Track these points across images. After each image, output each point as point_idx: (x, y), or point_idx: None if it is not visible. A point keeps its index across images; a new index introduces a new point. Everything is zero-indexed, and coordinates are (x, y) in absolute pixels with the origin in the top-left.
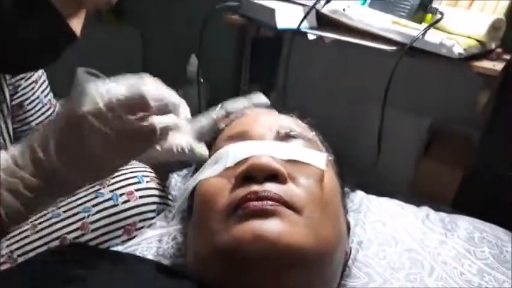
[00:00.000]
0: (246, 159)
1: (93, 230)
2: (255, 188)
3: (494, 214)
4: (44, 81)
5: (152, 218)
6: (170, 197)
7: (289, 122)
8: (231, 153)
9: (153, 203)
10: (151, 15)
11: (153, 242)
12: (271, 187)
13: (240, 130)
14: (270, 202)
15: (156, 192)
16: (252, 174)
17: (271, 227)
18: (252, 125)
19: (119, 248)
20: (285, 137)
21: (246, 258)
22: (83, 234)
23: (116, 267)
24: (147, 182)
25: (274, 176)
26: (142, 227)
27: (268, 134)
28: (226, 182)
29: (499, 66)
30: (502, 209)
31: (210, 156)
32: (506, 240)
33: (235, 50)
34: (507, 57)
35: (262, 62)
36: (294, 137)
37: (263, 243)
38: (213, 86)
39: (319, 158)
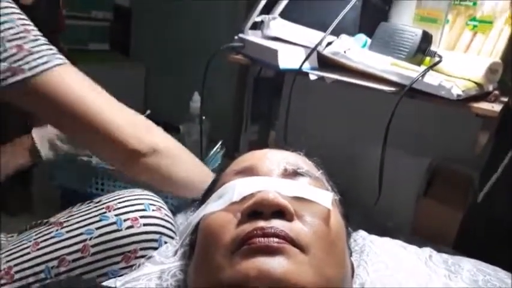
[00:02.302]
0: (252, 195)
1: (93, 254)
2: (262, 224)
3: (495, 255)
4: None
5: (154, 248)
6: (174, 228)
7: (297, 160)
8: (238, 188)
9: (157, 232)
10: (156, 51)
11: (152, 278)
12: (277, 224)
13: (247, 165)
14: (276, 239)
15: (160, 222)
16: (258, 209)
17: (276, 264)
18: (259, 161)
19: (118, 284)
20: (292, 174)
21: None
22: (82, 257)
23: None
24: (153, 210)
25: (281, 213)
26: (142, 256)
27: (276, 170)
28: (232, 216)
29: (497, 107)
30: (503, 250)
31: (215, 190)
32: (510, 283)
33: (237, 88)
34: (504, 99)
35: (263, 101)
36: (301, 174)
37: (268, 281)
38: (215, 123)
39: (326, 197)
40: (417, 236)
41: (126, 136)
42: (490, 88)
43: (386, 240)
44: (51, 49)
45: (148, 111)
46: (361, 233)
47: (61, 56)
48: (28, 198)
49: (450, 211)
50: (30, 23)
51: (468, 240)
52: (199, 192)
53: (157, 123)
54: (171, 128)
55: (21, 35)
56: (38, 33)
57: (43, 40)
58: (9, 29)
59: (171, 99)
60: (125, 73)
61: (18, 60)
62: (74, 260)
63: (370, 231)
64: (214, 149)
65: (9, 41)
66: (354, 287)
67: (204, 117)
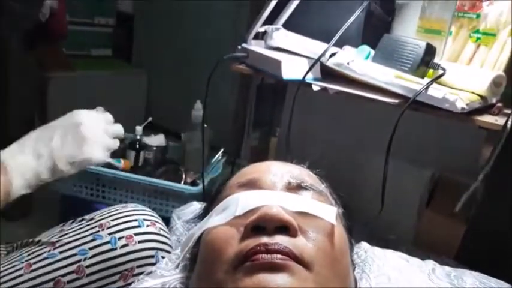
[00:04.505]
0: (256, 209)
1: (88, 275)
2: (265, 239)
3: (498, 267)
4: None
5: (151, 264)
6: (170, 242)
7: (301, 173)
8: (241, 202)
9: (153, 248)
10: (158, 58)
11: None
12: (281, 240)
13: (251, 178)
14: (279, 256)
15: (156, 237)
16: (262, 224)
17: (280, 281)
18: (263, 174)
19: None
20: (296, 188)
21: None
22: (77, 278)
23: None
24: (147, 226)
25: (285, 228)
26: (140, 273)
27: (279, 184)
28: (235, 231)
29: (501, 121)
30: (506, 263)
31: (218, 203)
32: None
33: (239, 95)
34: (508, 111)
35: (266, 108)
36: (305, 188)
37: None
38: (216, 131)
39: (330, 212)
40: (420, 247)
41: None
42: (494, 101)
43: (389, 252)
44: None
45: (150, 119)
46: (364, 245)
47: None
48: (27, 204)
49: (453, 223)
50: None
51: (471, 252)
52: None
53: (160, 130)
54: (172, 136)
55: None
56: None
57: None
58: None
59: (173, 107)
60: (127, 79)
61: None
62: (69, 282)
63: (372, 243)
64: (216, 157)
65: None
66: None
67: (205, 125)
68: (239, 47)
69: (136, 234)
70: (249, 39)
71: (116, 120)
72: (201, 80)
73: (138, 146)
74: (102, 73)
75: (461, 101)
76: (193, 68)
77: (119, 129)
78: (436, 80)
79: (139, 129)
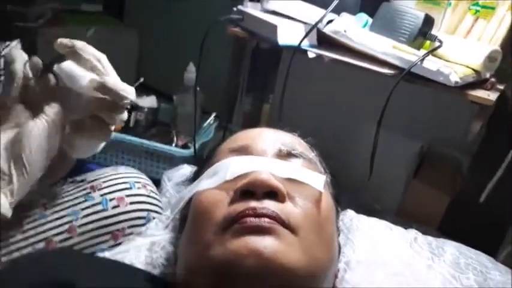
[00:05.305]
0: (246, 174)
1: (80, 234)
2: (254, 204)
3: (479, 239)
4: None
5: (141, 225)
6: (161, 204)
7: (292, 141)
8: (232, 167)
9: (144, 209)
10: (151, 18)
11: (142, 250)
12: (269, 204)
13: (242, 144)
14: (267, 220)
15: (146, 199)
16: (251, 189)
17: (266, 244)
18: (254, 140)
19: (106, 254)
20: (286, 155)
21: (239, 272)
22: (70, 237)
23: (105, 274)
24: (138, 188)
25: (273, 194)
26: (130, 233)
27: (270, 151)
28: (225, 195)
29: (493, 96)
30: (487, 235)
31: (209, 167)
32: (491, 267)
33: (233, 59)
34: (501, 87)
35: (260, 73)
36: (295, 155)
37: (257, 260)
38: (208, 95)
39: (318, 179)
40: (404, 217)
41: None
42: (488, 75)
43: (374, 220)
44: None
45: (141, 79)
46: (349, 213)
47: None
48: None
49: (438, 194)
50: None
51: (453, 224)
52: None
53: (151, 91)
54: (164, 97)
55: None
56: None
57: None
58: None
59: (166, 68)
60: (117, 37)
61: None
62: (61, 241)
63: (358, 211)
64: (208, 121)
65: None
66: (340, 266)
67: (198, 89)
68: (235, 8)
69: (127, 195)
70: (245, 1)
71: None
72: (194, 41)
73: (129, 106)
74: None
75: (455, 75)
76: (186, 28)
77: None
78: (431, 52)
79: None
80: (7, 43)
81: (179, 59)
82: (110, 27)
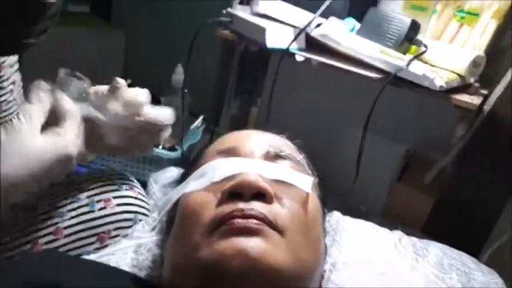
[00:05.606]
0: (233, 176)
1: (66, 236)
2: (241, 205)
3: (462, 240)
4: (21, 82)
5: (128, 227)
6: (148, 206)
7: (280, 143)
8: (219, 168)
9: (130, 211)
10: (139, 19)
11: (128, 252)
12: (257, 206)
13: (230, 146)
14: (255, 221)
15: (134, 201)
16: (239, 191)
17: (254, 245)
18: (242, 142)
19: (92, 256)
20: (274, 157)
21: (226, 273)
22: (55, 239)
23: (91, 276)
24: (125, 189)
25: (261, 195)
26: (116, 236)
27: (258, 152)
28: (212, 196)
29: (476, 100)
30: (470, 236)
31: (196, 169)
32: (474, 268)
33: (222, 62)
34: (484, 92)
35: (248, 77)
36: (282, 157)
37: (245, 260)
38: (196, 97)
39: (306, 181)
40: (389, 219)
41: None
42: (472, 80)
43: (360, 222)
44: None
45: (129, 81)
46: (336, 214)
47: None
48: None
49: (422, 196)
50: None
51: (437, 225)
52: None
53: None
54: (151, 100)
55: None
56: None
57: None
58: None
59: (153, 70)
60: (103, 38)
61: None
62: (47, 243)
63: (345, 212)
64: (195, 123)
65: None
66: (326, 267)
67: (185, 91)
68: (224, 11)
69: (114, 197)
70: (234, 4)
71: (93, 80)
72: (182, 43)
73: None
74: (78, 31)
75: (440, 80)
76: (174, 30)
77: None
78: (417, 56)
79: None
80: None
81: (167, 61)
82: (97, 29)
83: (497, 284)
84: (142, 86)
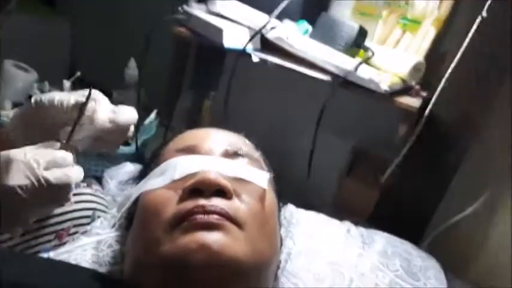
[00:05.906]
0: (194, 174)
1: (23, 234)
2: (202, 202)
3: (404, 229)
4: None
5: (86, 224)
6: (106, 203)
7: (238, 141)
8: (180, 166)
9: (89, 208)
10: (87, 7)
11: (88, 249)
12: (217, 202)
13: (190, 144)
14: (216, 216)
15: (92, 198)
16: (200, 188)
17: (215, 239)
18: (201, 140)
19: (51, 254)
20: (233, 154)
21: (189, 267)
22: (11, 238)
23: (48, 274)
24: (83, 186)
25: (221, 192)
26: (75, 232)
27: (217, 150)
28: (173, 193)
29: (417, 103)
30: (412, 226)
31: (155, 166)
32: (415, 254)
33: (175, 55)
34: (424, 94)
35: (201, 71)
36: (240, 155)
37: (207, 254)
38: (149, 91)
39: (262, 178)
40: (339, 210)
41: None
42: (413, 83)
43: (312, 213)
44: None
45: (78, 73)
46: (290, 207)
47: None
48: None
49: (368, 190)
50: None
51: (382, 216)
52: None
53: (87, 86)
54: (102, 94)
55: None
56: None
57: None
58: None
59: (104, 63)
60: (47, 26)
61: None
62: (4, 241)
63: (298, 205)
64: (149, 118)
65: None
66: (281, 256)
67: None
68: (180, 8)
69: (72, 194)
70: (190, 1)
71: (38, 71)
72: (134, 36)
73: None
74: (19, 18)
75: (384, 83)
76: (126, 22)
77: None
78: (364, 61)
79: (67, 84)
80: None
81: (118, 54)
82: (40, 16)
83: (435, 268)
84: (92, 79)
